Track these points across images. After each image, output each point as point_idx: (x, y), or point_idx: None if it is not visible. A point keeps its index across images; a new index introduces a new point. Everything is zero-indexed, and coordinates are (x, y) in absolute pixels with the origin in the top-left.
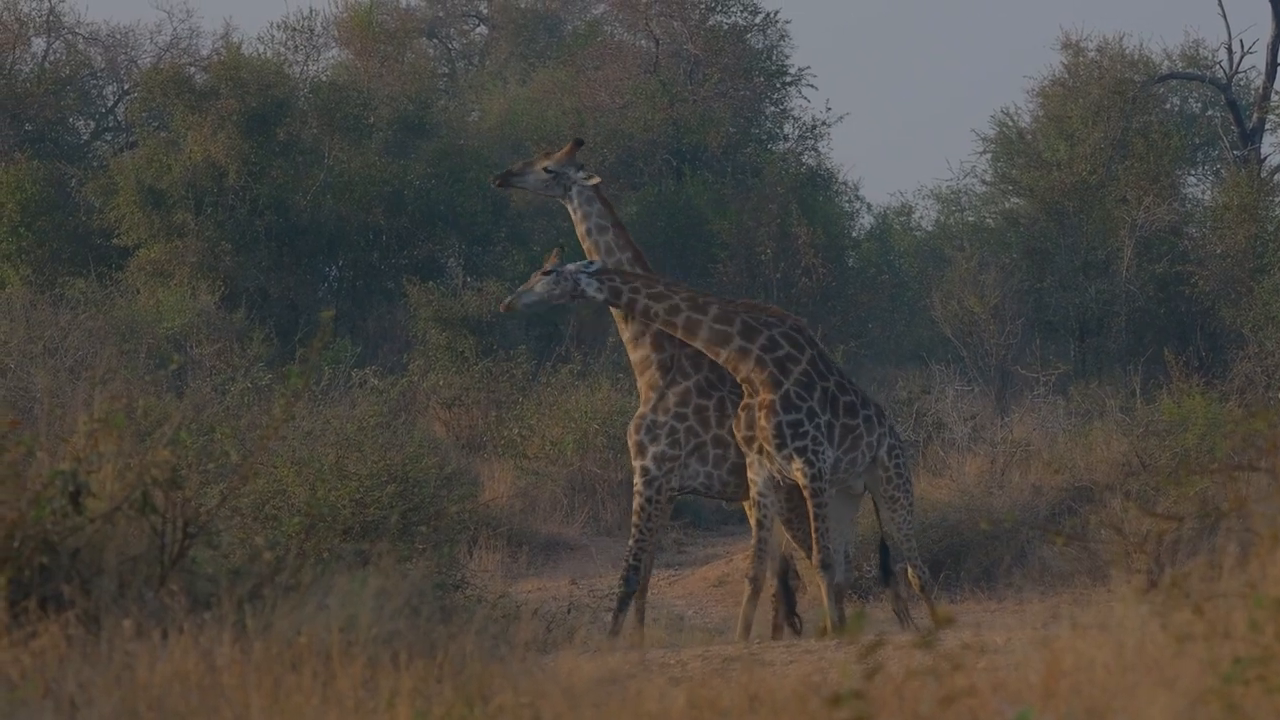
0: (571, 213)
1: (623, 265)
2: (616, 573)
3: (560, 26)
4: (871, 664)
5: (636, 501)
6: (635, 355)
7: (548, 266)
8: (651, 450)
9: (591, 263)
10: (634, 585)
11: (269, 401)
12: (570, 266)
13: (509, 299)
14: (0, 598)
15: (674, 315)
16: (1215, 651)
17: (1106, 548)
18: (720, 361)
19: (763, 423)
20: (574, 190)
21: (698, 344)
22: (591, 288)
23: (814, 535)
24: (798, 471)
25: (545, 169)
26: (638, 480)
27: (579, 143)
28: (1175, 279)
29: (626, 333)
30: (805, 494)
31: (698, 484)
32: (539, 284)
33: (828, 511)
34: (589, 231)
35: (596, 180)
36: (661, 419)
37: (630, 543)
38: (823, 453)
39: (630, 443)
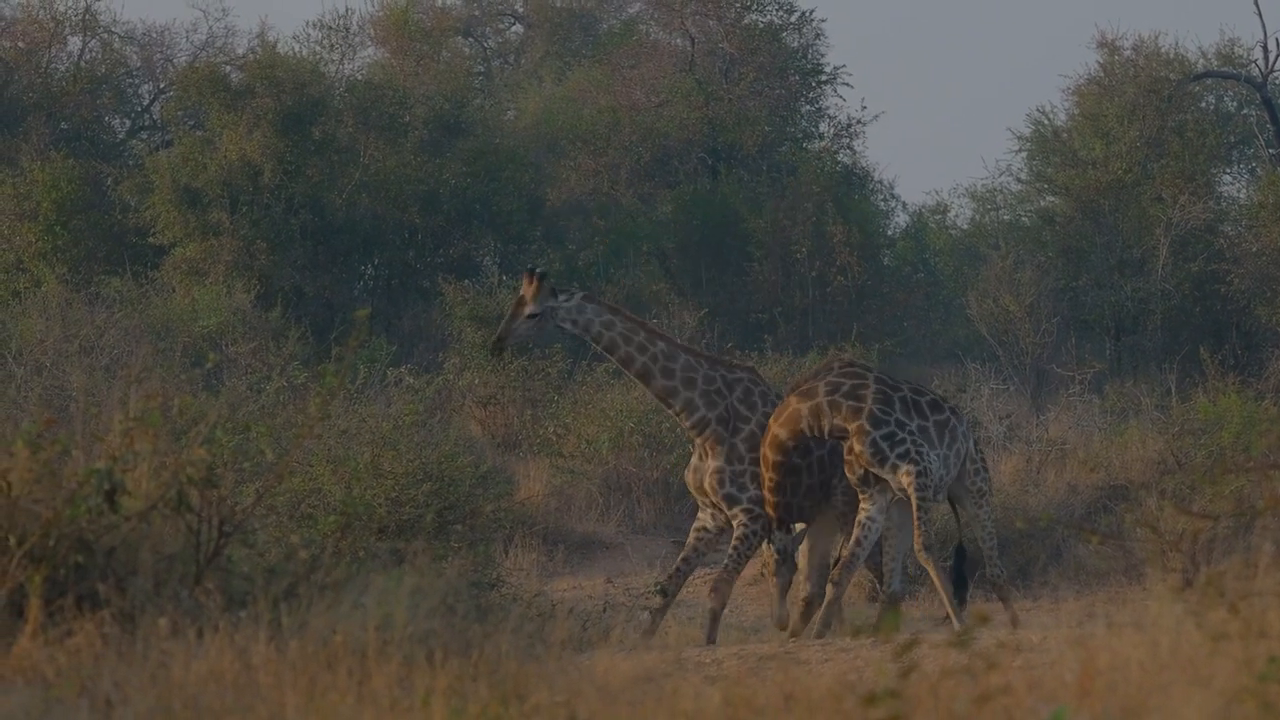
0: (580, 335)
1: (644, 342)
2: (652, 571)
3: (596, 25)
4: (907, 663)
5: (741, 531)
6: (690, 420)
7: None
8: (745, 496)
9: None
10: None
11: (304, 400)
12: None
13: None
14: (36, 596)
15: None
16: (1250, 650)
17: (1142, 546)
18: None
19: (858, 448)
20: (562, 315)
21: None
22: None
23: (915, 526)
24: (905, 476)
25: (529, 315)
26: (743, 517)
27: (541, 275)
28: (1211, 277)
29: (678, 403)
30: (912, 497)
31: None
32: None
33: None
34: (599, 336)
35: (579, 296)
36: (739, 467)
37: (727, 563)
38: (925, 454)
39: (715, 499)
